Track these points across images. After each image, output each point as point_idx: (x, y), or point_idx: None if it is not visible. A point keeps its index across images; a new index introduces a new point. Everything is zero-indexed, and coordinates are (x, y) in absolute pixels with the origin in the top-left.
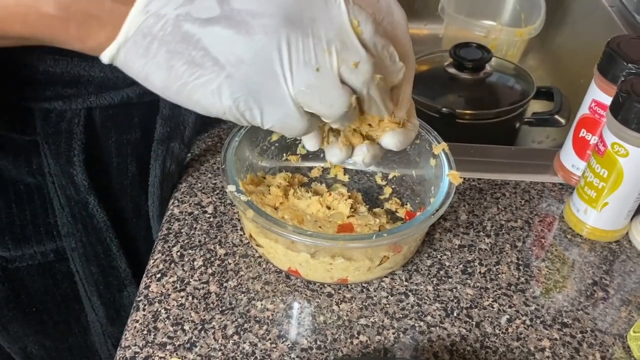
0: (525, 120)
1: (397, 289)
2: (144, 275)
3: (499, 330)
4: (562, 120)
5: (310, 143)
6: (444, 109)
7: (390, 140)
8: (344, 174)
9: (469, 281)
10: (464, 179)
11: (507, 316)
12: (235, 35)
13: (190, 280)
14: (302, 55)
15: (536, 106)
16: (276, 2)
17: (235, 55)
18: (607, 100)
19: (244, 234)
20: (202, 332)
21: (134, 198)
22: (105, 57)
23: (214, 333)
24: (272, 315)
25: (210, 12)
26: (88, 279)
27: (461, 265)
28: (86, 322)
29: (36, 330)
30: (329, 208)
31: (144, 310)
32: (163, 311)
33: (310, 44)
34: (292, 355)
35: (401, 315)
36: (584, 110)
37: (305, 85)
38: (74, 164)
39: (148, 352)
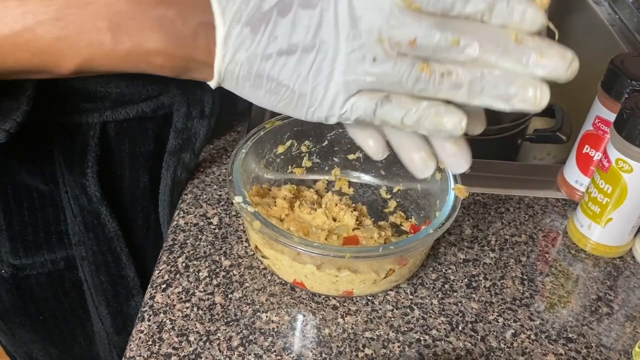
0: (527, 137)
1: (402, 303)
2: (149, 285)
3: (504, 344)
4: (564, 137)
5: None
6: None
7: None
8: (349, 187)
9: (473, 295)
10: (468, 193)
11: (512, 330)
12: (292, 61)
13: (195, 291)
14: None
15: (537, 123)
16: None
17: (299, 75)
18: (611, 116)
19: (249, 245)
20: (207, 343)
21: (144, 208)
22: (212, 86)
23: (219, 344)
24: (277, 327)
25: (271, 48)
26: (97, 287)
27: (466, 280)
28: (92, 331)
29: (42, 338)
30: (334, 220)
31: (148, 320)
32: (168, 322)
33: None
34: None
35: (406, 329)
36: (587, 126)
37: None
38: (87, 175)
39: None
